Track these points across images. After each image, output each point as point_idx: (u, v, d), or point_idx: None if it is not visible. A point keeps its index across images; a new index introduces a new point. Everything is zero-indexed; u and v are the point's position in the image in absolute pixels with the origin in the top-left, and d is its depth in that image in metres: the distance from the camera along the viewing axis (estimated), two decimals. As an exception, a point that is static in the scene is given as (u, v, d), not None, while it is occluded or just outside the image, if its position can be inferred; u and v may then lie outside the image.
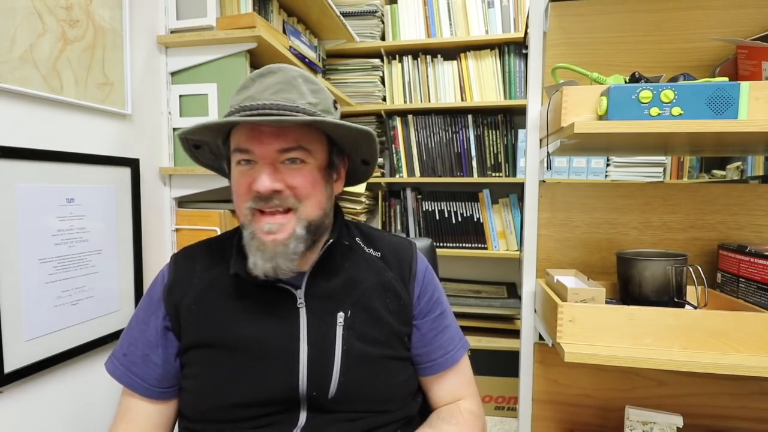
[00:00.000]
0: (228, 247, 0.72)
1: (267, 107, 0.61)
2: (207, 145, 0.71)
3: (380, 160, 2.13)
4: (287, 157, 0.62)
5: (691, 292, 0.84)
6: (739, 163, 1.43)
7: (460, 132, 2.00)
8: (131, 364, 0.67)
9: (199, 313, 0.66)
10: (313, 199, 0.64)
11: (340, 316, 0.67)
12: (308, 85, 0.65)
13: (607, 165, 1.83)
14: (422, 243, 1.04)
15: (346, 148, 0.71)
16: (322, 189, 0.66)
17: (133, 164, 1.08)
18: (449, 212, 2.03)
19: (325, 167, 0.67)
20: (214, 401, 0.63)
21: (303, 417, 0.64)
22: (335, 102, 0.70)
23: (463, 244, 2.02)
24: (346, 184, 0.77)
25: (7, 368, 0.82)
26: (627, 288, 0.84)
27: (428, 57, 2.02)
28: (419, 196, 2.07)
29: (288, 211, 0.63)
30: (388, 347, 0.69)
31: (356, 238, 0.75)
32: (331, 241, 0.69)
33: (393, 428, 0.68)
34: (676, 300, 0.80)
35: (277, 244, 0.62)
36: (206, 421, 0.64)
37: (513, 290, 2.08)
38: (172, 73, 1.21)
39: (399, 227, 2.11)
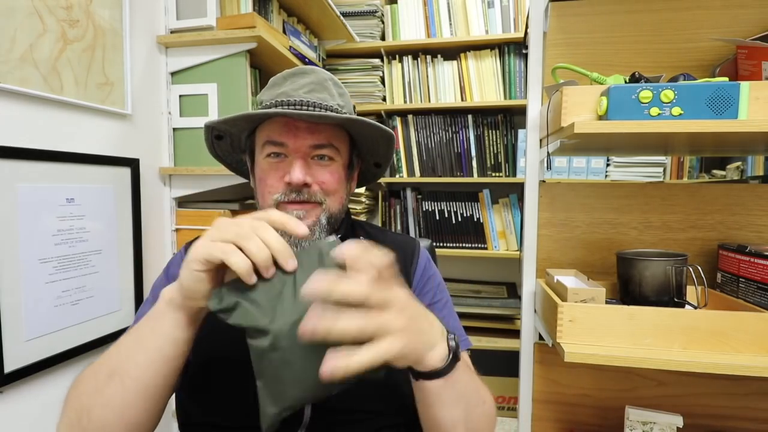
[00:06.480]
0: None
1: (304, 104, 0.64)
2: (230, 137, 0.72)
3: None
4: (318, 153, 0.64)
5: (691, 292, 0.84)
6: (739, 163, 1.42)
7: (460, 132, 2.00)
8: None
9: None
10: (337, 195, 0.67)
11: None
12: (336, 88, 0.69)
13: (607, 165, 1.83)
14: (422, 243, 1.04)
15: (364, 150, 0.73)
16: (345, 186, 0.69)
17: (133, 164, 1.08)
18: (449, 212, 2.03)
19: (348, 166, 0.69)
20: (217, 395, 0.63)
21: (308, 415, 0.64)
22: (353, 106, 0.73)
23: (463, 244, 2.02)
24: (356, 185, 0.79)
25: (7, 368, 0.82)
26: (627, 288, 0.84)
27: (428, 57, 2.02)
28: (419, 196, 2.07)
29: (313, 204, 0.65)
30: None
31: (360, 237, 0.76)
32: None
33: (401, 427, 0.68)
34: (676, 300, 0.80)
35: None
36: (209, 416, 0.64)
37: (513, 290, 2.08)
38: (172, 73, 1.21)
39: (399, 227, 2.11)
